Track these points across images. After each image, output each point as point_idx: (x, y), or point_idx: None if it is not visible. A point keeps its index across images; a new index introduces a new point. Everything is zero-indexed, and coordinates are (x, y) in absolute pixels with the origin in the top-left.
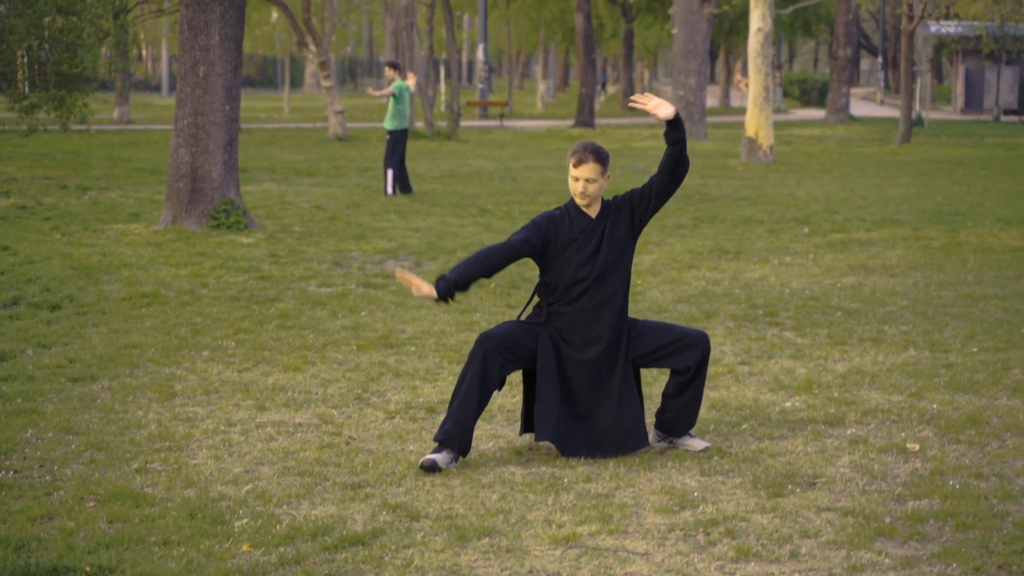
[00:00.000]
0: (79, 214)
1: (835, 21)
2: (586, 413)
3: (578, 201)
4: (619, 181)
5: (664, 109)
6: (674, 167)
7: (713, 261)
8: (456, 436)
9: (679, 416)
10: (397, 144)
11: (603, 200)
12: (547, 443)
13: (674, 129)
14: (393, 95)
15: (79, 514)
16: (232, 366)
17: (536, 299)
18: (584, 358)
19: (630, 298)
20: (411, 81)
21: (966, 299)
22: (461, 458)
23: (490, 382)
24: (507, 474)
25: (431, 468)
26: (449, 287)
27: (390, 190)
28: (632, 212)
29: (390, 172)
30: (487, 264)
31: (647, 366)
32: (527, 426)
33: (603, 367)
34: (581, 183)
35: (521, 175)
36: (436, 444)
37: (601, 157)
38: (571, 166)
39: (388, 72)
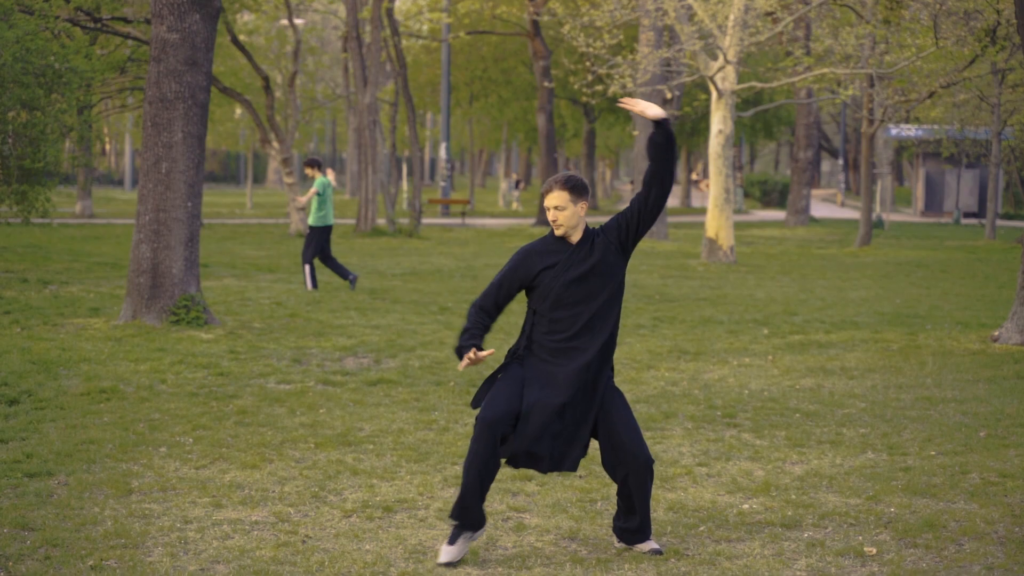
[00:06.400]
0: (39, 308)
1: (796, 123)
2: (569, 431)
3: (554, 230)
4: None
5: (653, 110)
6: (660, 173)
7: (672, 361)
8: (468, 518)
9: (635, 533)
10: (315, 240)
11: (587, 227)
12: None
13: (660, 127)
14: (318, 193)
15: None
16: (189, 463)
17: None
18: (573, 367)
19: None
20: (331, 176)
21: (924, 402)
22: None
23: (495, 461)
24: (462, 575)
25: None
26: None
27: (310, 285)
28: (619, 232)
29: (308, 267)
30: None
31: (592, 435)
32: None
33: (589, 387)
34: (551, 211)
35: (482, 273)
36: (452, 524)
37: (570, 185)
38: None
39: (308, 170)
